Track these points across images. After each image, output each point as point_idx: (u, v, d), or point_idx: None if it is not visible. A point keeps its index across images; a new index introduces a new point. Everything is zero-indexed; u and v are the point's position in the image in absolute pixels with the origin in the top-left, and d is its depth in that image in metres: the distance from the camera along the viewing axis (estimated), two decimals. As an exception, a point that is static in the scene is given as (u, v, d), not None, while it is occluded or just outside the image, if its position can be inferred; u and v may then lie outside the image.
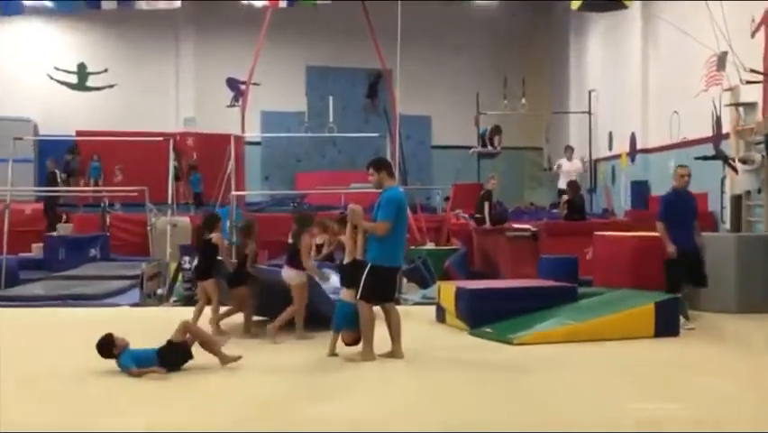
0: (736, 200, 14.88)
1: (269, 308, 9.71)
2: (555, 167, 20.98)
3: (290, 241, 9.11)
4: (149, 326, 10.54)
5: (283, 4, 19.76)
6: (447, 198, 23.04)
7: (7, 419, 5.81)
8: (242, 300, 9.79)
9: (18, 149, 17.49)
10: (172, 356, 7.49)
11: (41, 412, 6.19)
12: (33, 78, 27.34)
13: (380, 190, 8.21)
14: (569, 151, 20.37)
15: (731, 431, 5.75)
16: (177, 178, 23.73)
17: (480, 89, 25.80)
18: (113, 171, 25.32)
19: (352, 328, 8.14)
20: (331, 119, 22.30)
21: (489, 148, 24.73)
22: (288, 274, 9.08)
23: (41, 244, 18.83)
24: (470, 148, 25.52)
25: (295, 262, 9.04)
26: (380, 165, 8.25)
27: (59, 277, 15.65)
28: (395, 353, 8.16)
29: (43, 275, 15.98)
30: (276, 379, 7.34)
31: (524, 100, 24.93)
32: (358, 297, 8.02)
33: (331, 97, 22.67)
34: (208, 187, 22.01)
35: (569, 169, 20.13)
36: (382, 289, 8.08)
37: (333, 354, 8.24)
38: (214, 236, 9.85)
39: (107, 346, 7.58)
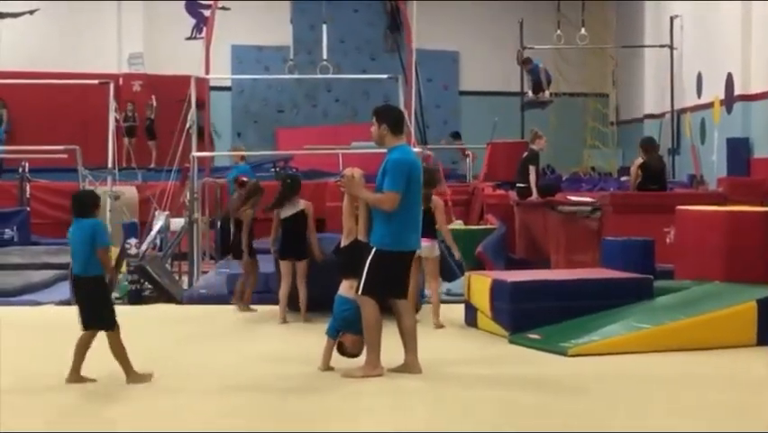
0: None
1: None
2: None
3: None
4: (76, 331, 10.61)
5: None
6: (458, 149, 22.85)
7: None
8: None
9: None
10: None
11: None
12: (-73, 2, 27.37)
13: (385, 150, 8.21)
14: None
15: None
16: (130, 133, 23.89)
17: (524, 15, 25.72)
18: (32, 127, 25.32)
19: (355, 332, 8.15)
20: (325, 56, 22.26)
21: (534, 94, 24.65)
22: (427, 246, 9.56)
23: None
24: (510, 94, 25.48)
25: (431, 231, 10.12)
26: (383, 115, 8.21)
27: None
28: (410, 366, 8.16)
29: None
30: (237, 403, 7.35)
31: (583, 30, 24.83)
32: (359, 291, 8.02)
33: (325, 26, 22.65)
34: (163, 145, 21.97)
35: None
36: (391, 281, 8.07)
37: (327, 367, 8.24)
38: (307, 205, 11.14)
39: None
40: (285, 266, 10.99)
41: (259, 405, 7.23)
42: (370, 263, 7.98)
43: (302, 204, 11.15)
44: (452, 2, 28.62)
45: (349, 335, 8.18)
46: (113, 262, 8.22)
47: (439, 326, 10.56)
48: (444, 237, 11.33)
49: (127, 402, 7.28)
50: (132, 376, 7.87)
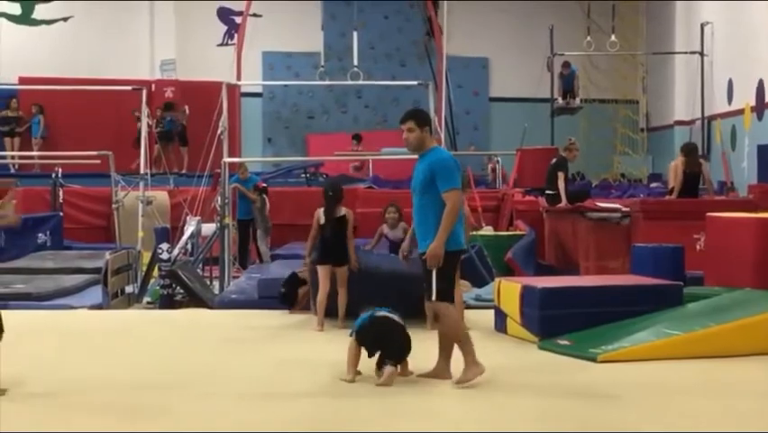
0: None
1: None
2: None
3: None
4: (114, 335, 10.68)
5: None
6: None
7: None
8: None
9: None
10: None
11: None
12: (-38, 8, 27.62)
13: (419, 153, 8.01)
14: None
15: None
16: (167, 137, 23.92)
17: (554, 22, 25.69)
18: (67, 133, 25.52)
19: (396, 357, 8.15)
20: (355, 62, 22.33)
21: (564, 100, 24.67)
22: None
23: (-26, 228, 19.08)
24: (540, 100, 25.45)
25: None
26: (424, 119, 8.02)
27: (-4, 270, 15.80)
28: (440, 371, 8.07)
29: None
30: (267, 407, 7.38)
31: (614, 37, 24.82)
32: (433, 298, 7.80)
33: (355, 33, 22.73)
34: (194, 152, 22.08)
35: None
36: (453, 281, 7.95)
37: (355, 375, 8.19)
38: (347, 211, 11.03)
39: None
40: (323, 271, 10.86)
41: (288, 409, 7.25)
42: (440, 268, 7.74)
43: (343, 210, 11.06)
44: (483, 8, 28.60)
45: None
46: None
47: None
48: None
49: (160, 407, 7.30)
50: None
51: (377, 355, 8.09)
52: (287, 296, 11.90)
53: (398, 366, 8.05)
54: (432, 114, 16.97)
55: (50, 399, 7.48)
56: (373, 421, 6.90)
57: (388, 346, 8.01)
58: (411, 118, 7.95)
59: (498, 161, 23.95)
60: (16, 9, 28.13)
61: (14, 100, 25.72)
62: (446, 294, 7.82)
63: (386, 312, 8.21)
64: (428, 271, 7.75)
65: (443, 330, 8.07)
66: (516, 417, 7.02)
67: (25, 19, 28.21)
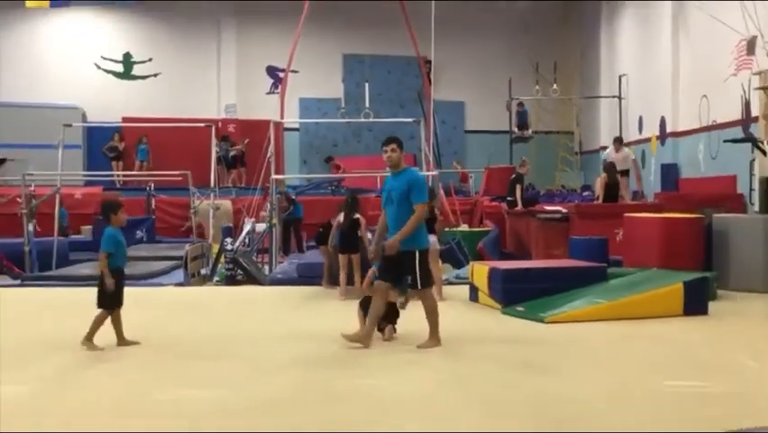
0: (765, 182, 14.70)
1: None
2: (603, 157, 19.41)
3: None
4: (193, 304, 10.71)
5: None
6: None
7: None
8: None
9: (67, 135, 17.67)
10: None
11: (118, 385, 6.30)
12: (82, 68, 27.69)
13: (395, 170, 7.63)
14: (617, 142, 18.65)
15: None
16: (230, 164, 23.98)
17: (512, 75, 25.68)
18: (157, 157, 25.56)
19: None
20: (367, 105, 22.31)
21: (519, 131, 24.66)
22: (431, 240, 9.40)
23: (90, 227, 19.09)
24: (502, 132, 25.42)
25: (433, 229, 10.01)
26: (401, 144, 7.70)
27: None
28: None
29: (92, 256, 16.15)
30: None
31: (555, 85, 24.78)
32: (419, 287, 7.53)
33: (367, 84, 22.69)
34: (249, 171, 22.11)
35: (615, 159, 18.85)
36: (429, 271, 7.67)
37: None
38: (360, 217, 11.14)
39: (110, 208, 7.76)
40: (343, 258, 11.03)
41: (312, 349, 7.25)
42: (420, 263, 7.46)
43: (357, 215, 11.17)
44: (460, 65, 28.56)
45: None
46: (105, 267, 7.64)
47: (440, 300, 10.40)
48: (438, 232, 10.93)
49: (221, 350, 7.32)
50: (87, 343, 7.45)
51: (384, 326, 8.01)
52: (321, 236, 12.08)
53: (395, 328, 8.05)
54: (423, 143, 17.01)
55: (152, 348, 7.55)
56: (378, 364, 6.90)
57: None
58: (394, 142, 7.70)
59: (471, 177, 23.92)
60: (120, 68, 28.24)
61: (118, 134, 25.82)
62: (427, 282, 7.57)
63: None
64: (411, 267, 7.44)
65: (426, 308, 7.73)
66: (485, 364, 7.04)
67: (126, 75, 28.27)
